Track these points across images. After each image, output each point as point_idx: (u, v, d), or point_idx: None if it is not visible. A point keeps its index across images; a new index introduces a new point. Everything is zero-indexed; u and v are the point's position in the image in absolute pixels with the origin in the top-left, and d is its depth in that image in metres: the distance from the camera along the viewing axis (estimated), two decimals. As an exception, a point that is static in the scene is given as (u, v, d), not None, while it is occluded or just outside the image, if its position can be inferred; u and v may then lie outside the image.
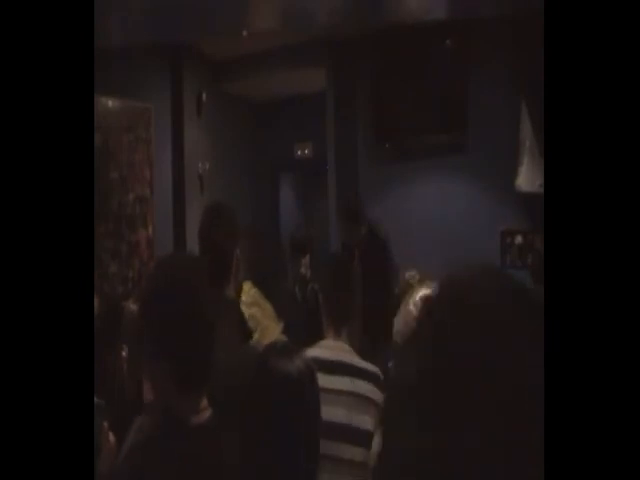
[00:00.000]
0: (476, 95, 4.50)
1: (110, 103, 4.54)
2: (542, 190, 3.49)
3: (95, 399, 1.38)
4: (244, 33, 4.47)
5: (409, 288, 1.16)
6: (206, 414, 1.22)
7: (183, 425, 1.19)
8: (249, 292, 2.53)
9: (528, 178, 4.03)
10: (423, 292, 1.12)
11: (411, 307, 1.09)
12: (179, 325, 1.20)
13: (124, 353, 2.29)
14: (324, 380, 1.76)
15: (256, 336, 2.36)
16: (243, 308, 2.17)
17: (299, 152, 6.32)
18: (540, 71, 0.97)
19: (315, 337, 2.03)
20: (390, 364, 1.59)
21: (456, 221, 4.62)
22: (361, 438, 1.76)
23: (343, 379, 1.80)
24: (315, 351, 1.84)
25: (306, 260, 4.77)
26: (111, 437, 1.53)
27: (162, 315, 1.21)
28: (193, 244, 5.08)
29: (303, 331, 2.68)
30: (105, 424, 1.53)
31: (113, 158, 4.57)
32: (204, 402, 1.23)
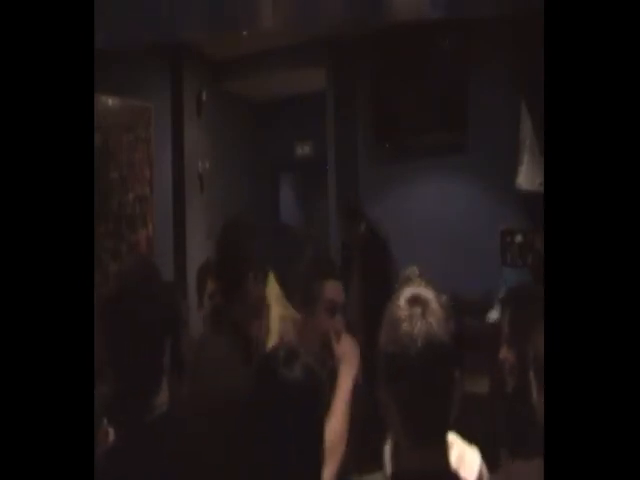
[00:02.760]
0: (476, 95, 4.50)
1: (110, 103, 4.53)
2: (542, 189, 3.49)
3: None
4: (244, 33, 4.47)
5: (408, 283, 1.14)
6: (160, 411, 1.24)
7: (136, 423, 1.22)
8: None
9: (528, 177, 4.02)
10: (410, 292, 1.10)
11: (397, 312, 1.08)
12: (131, 328, 1.23)
13: None
14: None
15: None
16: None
17: (299, 152, 6.32)
18: (540, 71, 0.97)
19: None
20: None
21: (456, 221, 4.61)
22: None
23: None
24: None
25: (306, 261, 4.76)
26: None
27: (115, 316, 1.24)
28: (193, 245, 5.11)
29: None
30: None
31: (113, 158, 4.57)
32: (160, 399, 1.25)
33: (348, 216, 4.28)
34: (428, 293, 1.08)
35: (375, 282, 4.09)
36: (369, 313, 4.05)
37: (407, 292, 1.09)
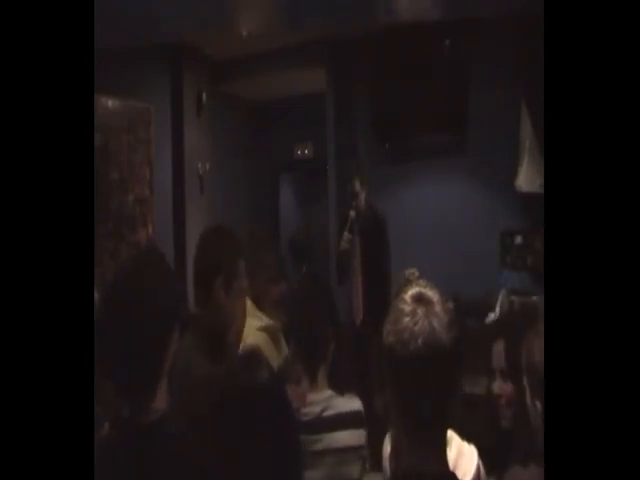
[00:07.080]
0: (476, 95, 4.50)
1: (110, 103, 4.53)
2: (542, 190, 3.49)
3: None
4: (244, 33, 4.48)
5: (408, 285, 1.15)
6: (157, 415, 1.23)
7: (132, 426, 1.21)
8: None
9: (528, 178, 4.03)
10: (415, 290, 1.11)
11: (401, 305, 1.09)
12: (130, 326, 1.21)
13: None
14: (306, 441, 1.65)
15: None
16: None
17: (299, 153, 6.32)
18: (540, 71, 0.97)
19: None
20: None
21: (456, 221, 4.61)
22: None
23: (324, 437, 1.73)
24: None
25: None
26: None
27: (116, 313, 1.23)
28: (193, 246, 5.09)
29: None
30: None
31: (113, 159, 4.57)
32: (156, 403, 1.24)
33: (352, 182, 4.22)
34: (434, 295, 1.08)
35: (374, 263, 4.09)
36: (370, 300, 4.04)
37: (413, 289, 1.10)
